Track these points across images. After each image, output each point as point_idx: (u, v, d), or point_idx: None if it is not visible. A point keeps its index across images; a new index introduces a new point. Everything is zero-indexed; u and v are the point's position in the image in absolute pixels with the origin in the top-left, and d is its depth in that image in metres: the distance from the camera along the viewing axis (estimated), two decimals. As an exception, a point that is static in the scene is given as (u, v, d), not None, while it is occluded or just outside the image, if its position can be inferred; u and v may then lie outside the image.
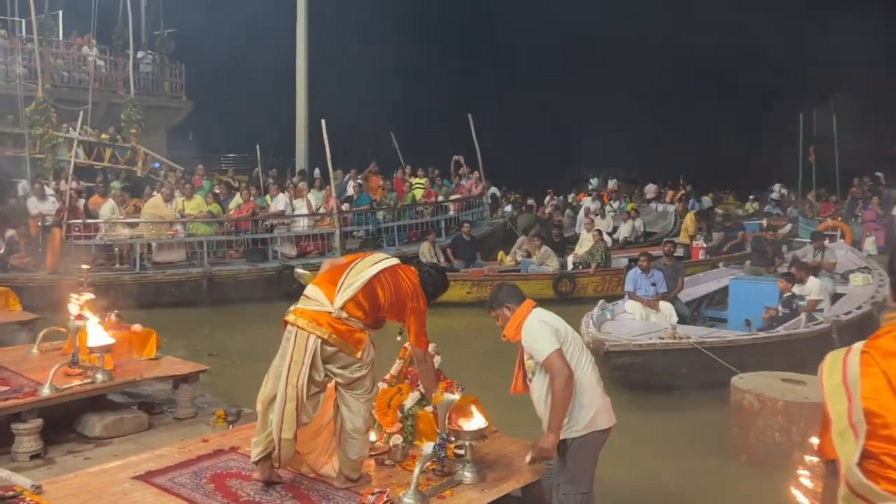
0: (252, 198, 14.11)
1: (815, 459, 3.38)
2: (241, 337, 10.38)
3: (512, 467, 4.10)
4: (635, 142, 26.23)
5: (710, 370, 7.10)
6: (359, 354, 3.73)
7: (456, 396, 3.91)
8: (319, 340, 3.66)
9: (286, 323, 3.78)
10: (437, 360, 4.67)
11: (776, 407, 5.72)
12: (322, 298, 3.78)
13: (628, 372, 7.37)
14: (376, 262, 3.95)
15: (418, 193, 16.45)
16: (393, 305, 3.88)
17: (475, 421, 3.93)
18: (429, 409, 4.45)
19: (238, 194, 14.55)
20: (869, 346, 2.00)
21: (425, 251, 13.06)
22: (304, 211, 13.97)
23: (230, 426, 5.41)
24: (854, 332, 8.62)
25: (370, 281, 3.82)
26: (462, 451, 4.11)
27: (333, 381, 3.81)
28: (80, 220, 12.60)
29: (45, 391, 5.17)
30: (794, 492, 3.41)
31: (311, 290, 3.88)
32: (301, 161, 18.49)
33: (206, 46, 22.62)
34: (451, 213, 16.40)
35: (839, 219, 16.96)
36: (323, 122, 13.73)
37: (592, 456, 3.75)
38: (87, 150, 16.70)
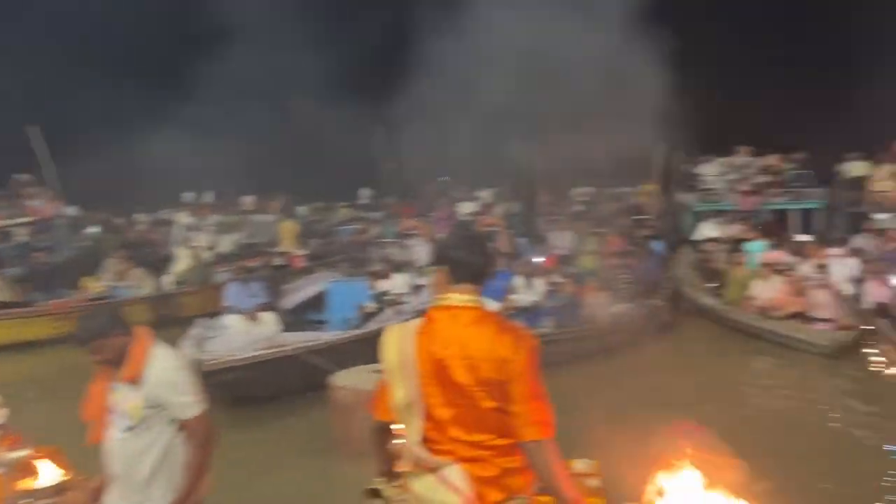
0: None
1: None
2: None
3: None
4: (231, 153, 25.83)
5: (315, 373, 7.38)
6: None
7: (22, 453, 3.42)
8: None
9: None
10: (2, 413, 4.05)
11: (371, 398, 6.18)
12: None
13: (232, 388, 7.28)
14: None
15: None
16: None
17: (48, 475, 3.48)
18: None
19: None
20: (422, 328, 2.30)
21: (-10, 286, 11.22)
22: None
23: None
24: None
25: None
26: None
27: None
28: None
29: None
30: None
31: None
32: None
33: None
34: (22, 238, 14.34)
35: (417, 218, 19.02)
36: None
37: None
38: None
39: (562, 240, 14.04)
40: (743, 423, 7.14)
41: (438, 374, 2.25)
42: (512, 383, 2.22)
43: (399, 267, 11.26)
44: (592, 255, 12.97)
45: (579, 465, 3.74)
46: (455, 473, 2.18)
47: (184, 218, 18.50)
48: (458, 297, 2.34)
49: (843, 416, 7.43)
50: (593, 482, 3.66)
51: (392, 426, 2.43)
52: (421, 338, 2.30)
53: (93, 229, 18.38)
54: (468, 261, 2.37)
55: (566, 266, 11.57)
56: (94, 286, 12.40)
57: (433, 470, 2.22)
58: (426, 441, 2.25)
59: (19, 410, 4.26)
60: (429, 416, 2.25)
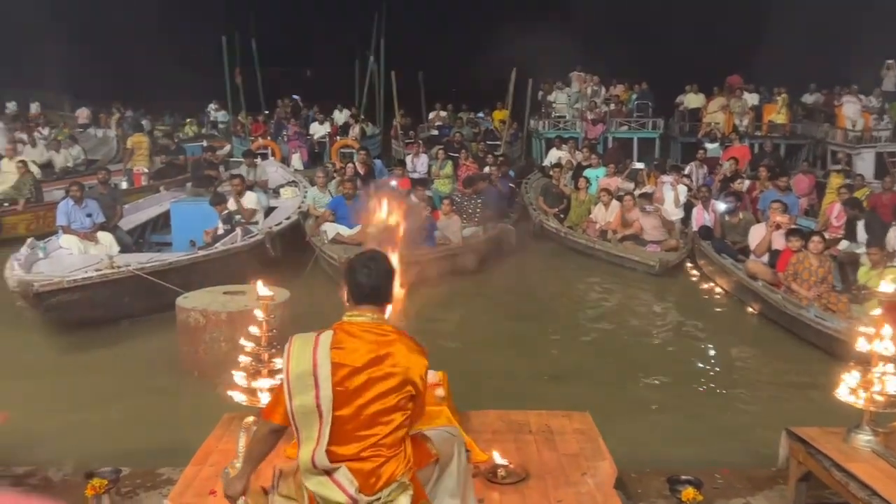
0: None
1: (248, 360, 3.73)
2: None
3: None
4: (62, 62, 23.55)
5: (157, 295, 7.14)
6: None
7: None
8: None
9: None
10: None
11: (220, 319, 6.07)
12: None
13: (66, 311, 6.91)
14: None
15: None
16: None
17: None
18: None
19: None
20: (335, 341, 2.43)
21: None
22: None
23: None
24: (285, 240, 9.66)
25: None
26: None
27: None
28: None
29: None
30: (231, 392, 3.70)
31: None
32: None
33: None
34: None
35: (269, 138, 18.41)
36: None
37: None
38: None
39: (417, 163, 14.12)
40: (571, 328, 7.77)
41: (350, 384, 2.40)
42: (417, 389, 2.49)
43: (249, 187, 10.90)
44: (446, 179, 13.20)
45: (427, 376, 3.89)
46: (343, 474, 2.40)
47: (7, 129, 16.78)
48: (367, 315, 2.50)
49: (654, 325, 8.22)
50: (439, 392, 3.84)
51: (280, 430, 2.57)
52: (334, 350, 2.42)
53: None
54: (369, 285, 2.52)
55: (421, 189, 11.70)
56: None
57: (326, 472, 2.41)
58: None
59: None
60: (332, 422, 2.41)
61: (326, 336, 2.44)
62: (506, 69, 17.10)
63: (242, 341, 3.79)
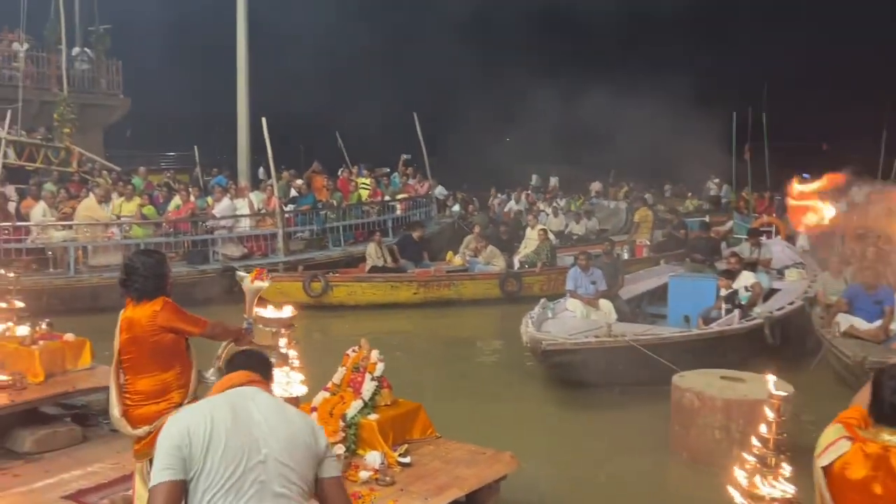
0: (192, 198, 13.83)
1: (752, 458, 3.46)
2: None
3: (454, 473, 4.10)
4: (572, 139, 26.26)
5: (648, 367, 7.23)
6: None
7: (265, 283, 4.02)
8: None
9: None
10: (379, 367, 4.65)
11: (715, 405, 5.84)
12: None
13: (566, 370, 7.47)
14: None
15: (364, 193, 16.34)
16: (148, 341, 3.52)
17: (284, 311, 4.06)
18: (372, 417, 4.43)
19: (177, 195, 14.25)
20: (846, 460, 2.19)
21: (372, 251, 12.96)
22: (246, 211, 13.74)
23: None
24: (787, 328, 8.93)
25: (119, 351, 3.60)
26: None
27: None
28: (10, 224, 12.13)
29: (-31, 406, 4.97)
30: (731, 491, 3.47)
31: None
32: (242, 160, 18.16)
33: (143, 42, 21.97)
34: (398, 212, 16.34)
35: (773, 215, 17.44)
36: (264, 120, 13.53)
37: None
38: (18, 151, 15.99)
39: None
40: None
41: None
42: None
43: (751, 266, 10.44)
44: None
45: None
46: None
47: (525, 202, 19.30)
48: (892, 438, 2.16)
49: None
50: None
51: None
52: (844, 478, 2.21)
53: (455, 208, 20.28)
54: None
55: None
56: (455, 259, 13.62)
57: None
58: None
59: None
60: None
61: (835, 450, 2.14)
62: None
63: (753, 440, 3.53)
